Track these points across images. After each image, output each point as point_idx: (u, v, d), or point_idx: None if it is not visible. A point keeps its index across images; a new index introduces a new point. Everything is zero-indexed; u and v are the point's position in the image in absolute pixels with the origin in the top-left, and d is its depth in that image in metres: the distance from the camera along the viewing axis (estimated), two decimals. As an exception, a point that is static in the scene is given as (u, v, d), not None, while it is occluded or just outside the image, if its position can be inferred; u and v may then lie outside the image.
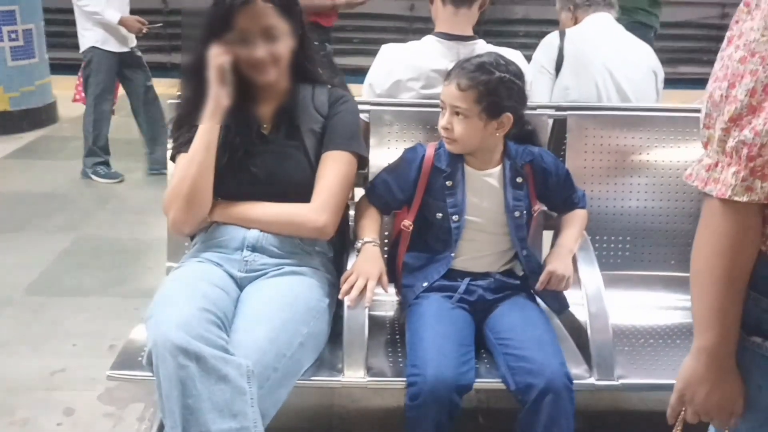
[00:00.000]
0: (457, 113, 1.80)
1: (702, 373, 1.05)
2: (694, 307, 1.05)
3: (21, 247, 3.52)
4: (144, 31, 4.44)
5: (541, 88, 2.75)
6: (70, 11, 4.45)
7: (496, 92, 1.77)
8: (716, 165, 0.97)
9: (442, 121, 1.84)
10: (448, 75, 1.84)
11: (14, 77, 5.45)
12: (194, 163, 1.75)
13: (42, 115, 5.69)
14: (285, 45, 1.80)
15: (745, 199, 0.94)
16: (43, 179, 4.55)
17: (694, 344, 1.06)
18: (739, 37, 0.95)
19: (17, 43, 5.36)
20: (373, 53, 2.30)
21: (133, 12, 4.51)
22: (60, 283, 3.18)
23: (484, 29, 2.26)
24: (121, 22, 4.33)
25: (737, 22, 0.97)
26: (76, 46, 4.48)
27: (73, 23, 4.46)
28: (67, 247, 3.53)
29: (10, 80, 5.43)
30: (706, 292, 1.02)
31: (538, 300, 1.94)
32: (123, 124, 5.81)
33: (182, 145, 1.82)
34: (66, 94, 6.08)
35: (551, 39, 2.84)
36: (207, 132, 1.75)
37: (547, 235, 2.19)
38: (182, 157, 1.80)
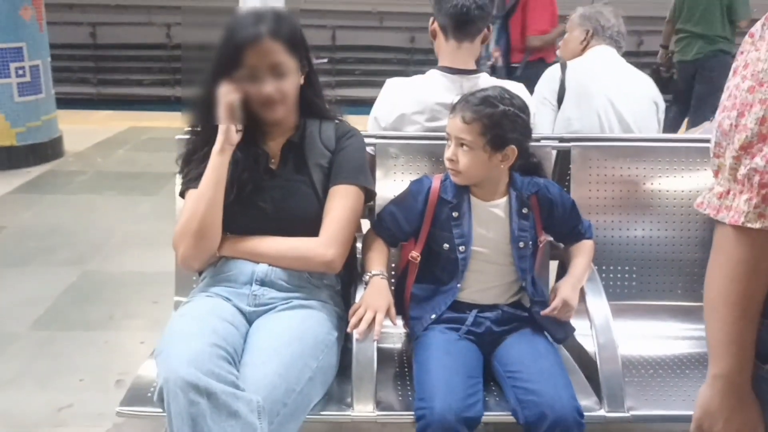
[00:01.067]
0: (462, 145, 1.82)
1: (720, 401, 1.04)
2: (709, 335, 1.04)
3: (27, 282, 3.51)
4: None
5: (543, 120, 2.78)
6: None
7: (501, 125, 1.80)
8: (728, 193, 0.98)
9: (448, 153, 1.86)
10: (453, 108, 1.86)
11: (21, 113, 5.48)
12: (204, 199, 1.76)
13: (48, 150, 5.72)
14: (292, 82, 1.83)
15: (758, 225, 0.95)
16: (49, 214, 4.56)
17: (710, 372, 1.05)
18: (745, 68, 0.97)
19: (24, 79, 5.40)
20: (375, 84, 2.33)
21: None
22: (66, 317, 3.18)
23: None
24: None
25: (742, 53, 1.00)
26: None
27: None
28: (73, 281, 3.54)
29: (16, 116, 5.46)
30: (720, 320, 1.01)
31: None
32: (129, 158, 5.88)
33: (191, 181, 1.84)
34: (71, 129, 6.16)
35: (553, 71, 2.87)
36: (216, 168, 1.77)
37: (553, 265, 2.20)
38: (191, 193, 1.82)
